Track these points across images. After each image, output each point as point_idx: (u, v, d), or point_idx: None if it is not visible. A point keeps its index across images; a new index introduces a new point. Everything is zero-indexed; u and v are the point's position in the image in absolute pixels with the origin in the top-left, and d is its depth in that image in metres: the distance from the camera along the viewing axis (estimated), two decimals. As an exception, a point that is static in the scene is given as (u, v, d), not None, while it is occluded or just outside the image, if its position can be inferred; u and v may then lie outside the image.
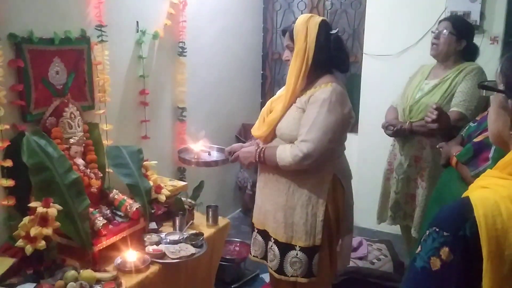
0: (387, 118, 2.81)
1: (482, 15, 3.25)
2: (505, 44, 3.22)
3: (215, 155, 2.40)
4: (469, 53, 2.62)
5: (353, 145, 3.61)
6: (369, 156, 3.86)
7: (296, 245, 2.08)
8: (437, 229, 0.87)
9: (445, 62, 2.63)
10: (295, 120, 2.02)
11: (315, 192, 2.06)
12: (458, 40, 2.56)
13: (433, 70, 2.70)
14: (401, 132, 2.62)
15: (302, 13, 4.07)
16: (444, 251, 0.85)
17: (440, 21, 2.70)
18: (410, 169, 2.67)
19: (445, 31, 2.57)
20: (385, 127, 2.72)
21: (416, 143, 2.63)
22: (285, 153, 1.98)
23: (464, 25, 2.64)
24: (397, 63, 3.63)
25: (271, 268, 2.17)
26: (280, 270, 2.13)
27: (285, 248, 2.10)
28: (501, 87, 0.94)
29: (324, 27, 2.02)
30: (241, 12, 3.96)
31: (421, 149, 2.62)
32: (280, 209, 2.10)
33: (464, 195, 0.91)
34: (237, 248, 3.19)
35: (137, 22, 2.76)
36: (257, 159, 2.09)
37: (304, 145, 1.94)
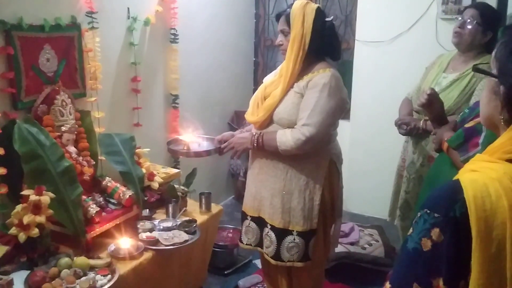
0: (401, 113, 2.64)
1: (473, 1, 3.25)
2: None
3: (205, 145, 2.39)
4: (494, 45, 2.39)
5: (345, 132, 3.63)
6: (361, 142, 3.88)
7: (293, 230, 2.11)
8: (428, 211, 0.90)
9: (466, 53, 2.41)
10: (294, 104, 2.04)
11: (313, 176, 2.09)
12: (484, 31, 2.32)
13: (452, 62, 2.49)
14: (415, 131, 2.46)
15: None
16: (435, 232, 0.87)
17: (466, 8, 2.46)
18: (423, 169, 2.49)
19: (471, 20, 2.33)
20: (398, 125, 2.54)
21: (430, 142, 2.45)
22: (286, 137, 2.00)
23: (492, 15, 2.38)
24: (389, 49, 3.63)
25: (267, 255, 2.19)
26: (277, 256, 2.15)
27: (282, 233, 2.13)
28: (494, 71, 0.95)
29: (320, 14, 2.04)
30: (233, -2, 3.93)
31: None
32: (277, 194, 2.11)
33: (454, 178, 0.93)
34: (230, 235, 3.21)
35: (128, 8, 2.73)
36: (255, 144, 2.10)
37: (306, 129, 1.96)
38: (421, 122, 2.44)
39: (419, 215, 0.91)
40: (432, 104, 2.07)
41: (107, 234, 2.12)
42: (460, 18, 2.41)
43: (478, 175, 0.90)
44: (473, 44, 2.37)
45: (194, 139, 2.40)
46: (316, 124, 1.96)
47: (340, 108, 2.05)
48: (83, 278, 1.80)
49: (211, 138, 2.39)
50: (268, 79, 2.23)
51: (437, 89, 2.42)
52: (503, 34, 0.99)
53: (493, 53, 0.97)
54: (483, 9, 2.39)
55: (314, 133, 1.96)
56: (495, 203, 0.85)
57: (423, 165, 2.50)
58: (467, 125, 1.85)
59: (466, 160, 1.74)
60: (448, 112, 2.31)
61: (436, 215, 0.88)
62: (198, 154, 2.33)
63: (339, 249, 2.83)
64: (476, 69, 1.03)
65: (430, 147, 2.47)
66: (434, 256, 0.87)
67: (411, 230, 0.92)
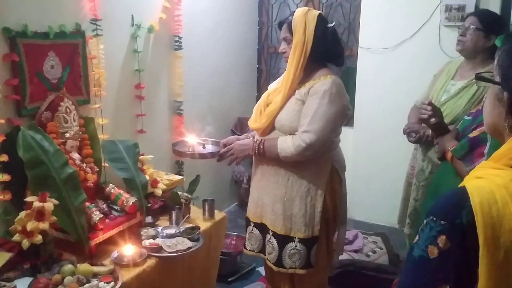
0: (410, 121, 2.63)
1: (477, 8, 3.26)
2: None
3: (210, 148, 2.40)
4: None
5: (348, 139, 3.63)
6: (364, 149, 3.87)
7: (295, 237, 2.10)
8: (434, 218, 0.89)
9: (472, 60, 2.43)
10: (295, 111, 2.04)
11: (314, 183, 2.09)
12: (486, 36, 2.34)
13: (460, 69, 2.50)
14: (424, 139, 2.46)
15: (297, 7, 4.08)
16: (442, 239, 0.86)
17: (467, 16, 2.51)
18: (432, 177, 2.44)
19: (471, 27, 2.37)
20: (407, 133, 2.54)
21: None
22: (287, 144, 2.00)
23: (492, 19, 2.42)
24: (392, 56, 3.64)
25: (270, 261, 2.18)
26: (279, 262, 2.14)
27: (283, 240, 2.12)
28: (497, 79, 0.95)
29: (321, 20, 2.05)
30: (237, 5, 3.95)
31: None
32: (278, 201, 2.11)
33: (460, 185, 0.92)
34: (233, 242, 3.20)
35: (132, 15, 2.75)
36: (256, 151, 2.10)
37: (306, 136, 1.96)
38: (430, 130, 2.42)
39: (425, 223, 0.90)
40: (435, 112, 2.07)
41: (111, 241, 2.12)
42: (461, 27, 2.45)
43: (484, 182, 0.89)
44: (476, 50, 2.39)
45: (199, 141, 2.40)
46: (317, 131, 1.97)
47: (341, 114, 2.05)
48: (86, 285, 1.80)
49: (217, 141, 2.40)
50: (272, 87, 2.24)
51: (445, 96, 2.44)
52: (504, 41, 0.99)
53: (495, 60, 0.97)
54: (482, 14, 2.45)
55: (314, 140, 1.96)
56: (502, 210, 0.84)
57: (432, 173, 2.48)
58: (471, 135, 1.84)
59: None
60: (457, 119, 2.30)
61: (442, 222, 0.87)
62: (203, 156, 2.33)
63: (343, 256, 2.81)
64: (478, 77, 1.03)
65: None
66: (441, 264, 0.86)
67: (417, 238, 0.91)
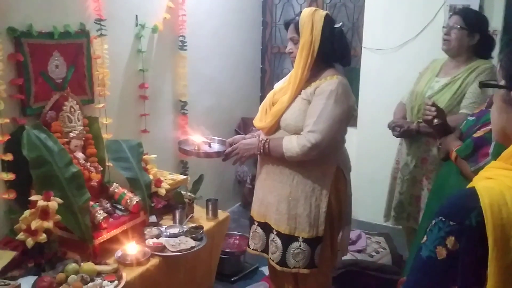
0: (395, 116, 2.72)
1: (481, 9, 3.24)
2: (504, 38, 3.22)
3: (216, 147, 2.40)
4: (483, 48, 2.48)
5: (352, 139, 3.61)
6: (368, 150, 3.86)
7: (299, 237, 2.10)
8: (443, 219, 0.88)
9: (457, 58, 2.51)
10: (301, 111, 2.04)
11: (319, 183, 2.09)
12: (470, 34, 2.43)
13: (444, 67, 2.58)
14: (408, 133, 2.54)
15: (301, 7, 4.09)
16: (450, 240, 0.86)
17: (451, 16, 2.60)
18: (416, 170, 2.58)
19: (455, 26, 2.44)
20: (392, 128, 2.62)
21: (423, 144, 2.55)
22: (292, 144, 2.00)
23: (475, 18, 2.50)
24: (396, 56, 3.63)
25: (273, 261, 2.18)
26: (282, 262, 2.14)
27: (288, 239, 2.12)
28: (502, 83, 0.95)
29: (328, 21, 2.05)
30: (240, 5, 3.95)
31: (428, 151, 2.53)
32: (283, 200, 2.11)
33: (469, 185, 0.92)
34: (236, 241, 3.21)
35: (136, 16, 2.75)
36: (262, 151, 2.10)
37: (312, 136, 1.96)
38: (414, 124, 2.52)
39: (433, 223, 0.90)
40: (439, 113, 2.07)
41: (114, 240, 2.13)
42: (446, 26, 2.53)
43: (494, 183, 0.89)
44: (461, 48, 2.47)
45: (205, 140, 2.40)
46: (322, 131, 1.97)
47: (347, 115, 2.05)
48: (90, 284, 1.81)
49: (223, 140, 2.40)
50: (277, 86, 2.24)
51: (429, 92, 2.52)
52: (507, 44, 0.99)
53: (498, 64, 0.98)
54: (466, 13, 2.53)
55: (319, 140, 1.96)
56: None
57: (417, 167, 2.59)
58: (476, 135, 1.84)
59: (476, 170, 1.73)
60: None
61: (451, 223, 0.87)
62: (208, 155, 2.33)
63: (346, 256, 2.81)
64: (483, 84, 1.04)
65: (423, 149, 2.56)
66: (449, 265, 0.86)
67: (425, 238, 0.91)
